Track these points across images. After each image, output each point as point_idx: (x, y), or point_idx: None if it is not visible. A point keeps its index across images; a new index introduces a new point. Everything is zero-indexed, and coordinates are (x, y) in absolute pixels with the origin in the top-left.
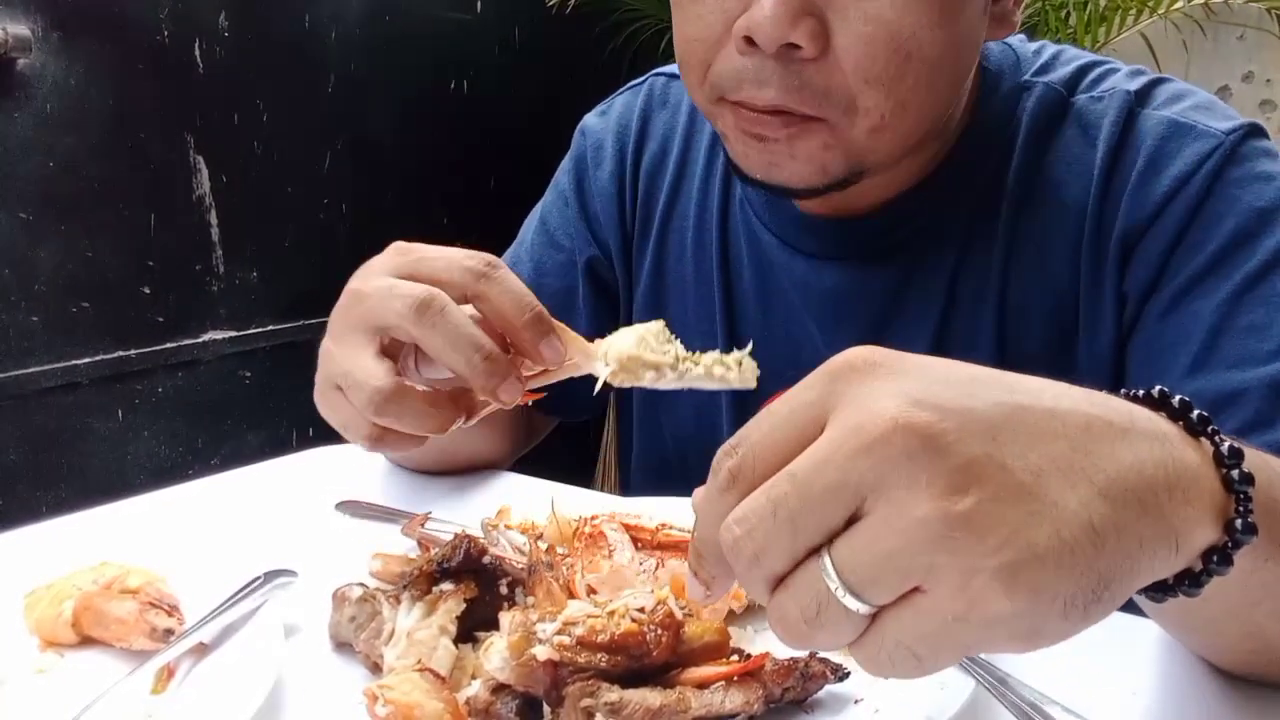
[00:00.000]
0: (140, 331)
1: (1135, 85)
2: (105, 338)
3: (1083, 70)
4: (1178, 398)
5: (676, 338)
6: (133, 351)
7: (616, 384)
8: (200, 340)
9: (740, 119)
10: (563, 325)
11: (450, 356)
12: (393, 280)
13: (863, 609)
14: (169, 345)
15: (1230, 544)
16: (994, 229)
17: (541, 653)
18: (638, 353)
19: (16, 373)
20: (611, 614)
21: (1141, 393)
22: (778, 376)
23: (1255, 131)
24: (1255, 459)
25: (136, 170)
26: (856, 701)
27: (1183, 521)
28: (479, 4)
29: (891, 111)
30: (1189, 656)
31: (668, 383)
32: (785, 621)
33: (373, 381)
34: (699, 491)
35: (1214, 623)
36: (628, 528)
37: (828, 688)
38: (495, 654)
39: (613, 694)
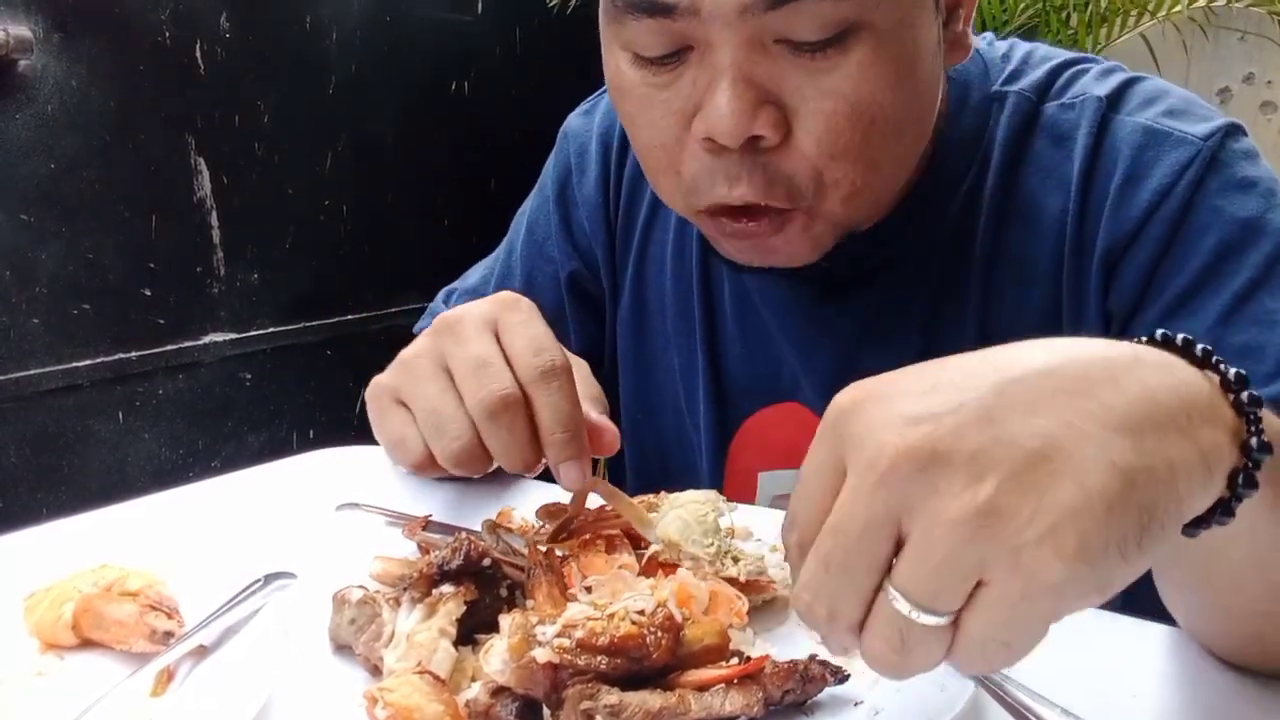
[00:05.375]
0: (141, 333)
1: (1107, 89)
2: (106, 340)
3: (1053, 74)
4: (1180, 336)
5: (726, 509)
6: (133, 354)
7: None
8: (201, 342)
9: (721, 228)
10: (621, 494)
11: (501, 459)
12: (487, 352)
13: (940, 621)
14: (169, 347)
15: (1251, 464)
16: (973, 247)
17: (541, 655)
18: (678, 540)
19: (17, 375)
20: (611, 617)
21: (1144, 338)
22: (757, 396)
23: (1234, 132)
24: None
25: (137, 172)
26: (856, 704)
27: (1209, 442)
28: (479, 5)
29: (862, 176)
30: (1190, 658)
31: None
32: (880, 659)
33: (458, 442)
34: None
35: (1236, 574)
36: (625, 531)
37: (828, 690)
38: (495, 656)
39: (612, 696)
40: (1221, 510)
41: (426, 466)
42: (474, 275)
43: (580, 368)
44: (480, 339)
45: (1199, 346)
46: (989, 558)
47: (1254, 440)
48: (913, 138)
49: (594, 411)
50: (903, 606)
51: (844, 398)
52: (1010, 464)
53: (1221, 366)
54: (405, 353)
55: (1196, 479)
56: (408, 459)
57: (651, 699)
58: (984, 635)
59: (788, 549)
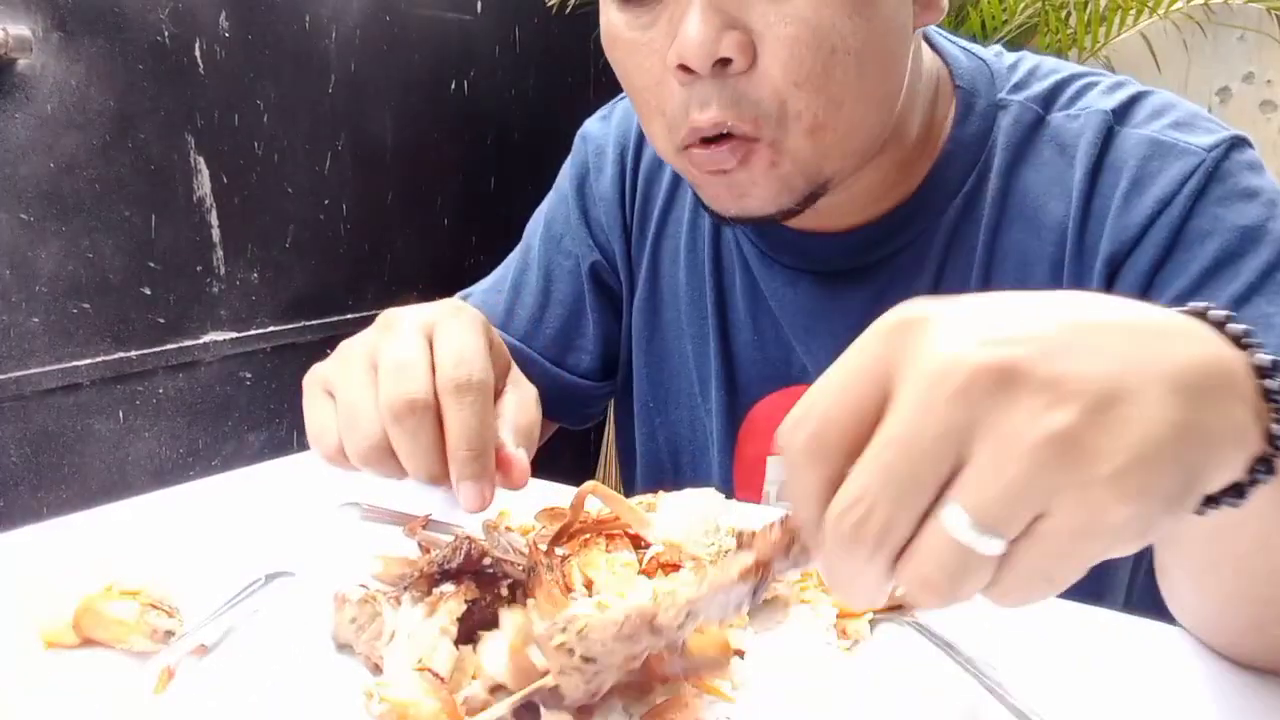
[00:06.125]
0: (140, 332)
1: (1114, 102)
2: (105, 339)
3: (1059, 86)
4: (1212, 311)
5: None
6: (133, 352)
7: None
8: (201, 341)
9: (698, 164)
10: (619, 496)
11: (407, 465)
12: (412, 354)
13: (1001, 548)
14: (169, 346)
15: (1274, 452)
16: (972, 247)
17: (539, 660)
18: (678, 540)
19: (17, 374)
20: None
21: (1185, 309)
22: (767, 381)
23: (1238, 144)
24: None
25: (137, 171)
26: (855, 702)
27: (1239, 419)
28: (479, 4)
29: (824, 109)
30: (1192, 662)
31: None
32: (932, 586)
33: (368, 440)
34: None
35: (1240, 557)
36: (625, 531)
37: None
38: (494, 655)
39: (578, 621)
40: (1234, 493)
41: (340, 460)
42: (489, 278)
43: (525, 395)
44: (411, 340)
45: (1231, 325)
46: (1059, 487)
47: (1276, 427)
48: (877, 77)
49: (512, 442)
50: (964, 531)
51: (905, 310)
52: (1088, 397)
53: (1252, 351)
54: (344, 343)
55: (1225, 452)
56: (323, 450)
57: (620, 604)
58: (1033, 567)
59: (790, 449)
